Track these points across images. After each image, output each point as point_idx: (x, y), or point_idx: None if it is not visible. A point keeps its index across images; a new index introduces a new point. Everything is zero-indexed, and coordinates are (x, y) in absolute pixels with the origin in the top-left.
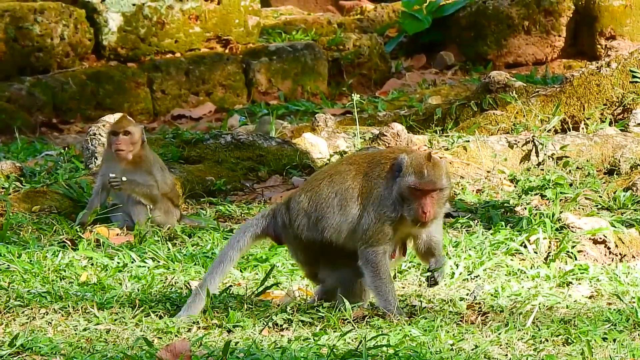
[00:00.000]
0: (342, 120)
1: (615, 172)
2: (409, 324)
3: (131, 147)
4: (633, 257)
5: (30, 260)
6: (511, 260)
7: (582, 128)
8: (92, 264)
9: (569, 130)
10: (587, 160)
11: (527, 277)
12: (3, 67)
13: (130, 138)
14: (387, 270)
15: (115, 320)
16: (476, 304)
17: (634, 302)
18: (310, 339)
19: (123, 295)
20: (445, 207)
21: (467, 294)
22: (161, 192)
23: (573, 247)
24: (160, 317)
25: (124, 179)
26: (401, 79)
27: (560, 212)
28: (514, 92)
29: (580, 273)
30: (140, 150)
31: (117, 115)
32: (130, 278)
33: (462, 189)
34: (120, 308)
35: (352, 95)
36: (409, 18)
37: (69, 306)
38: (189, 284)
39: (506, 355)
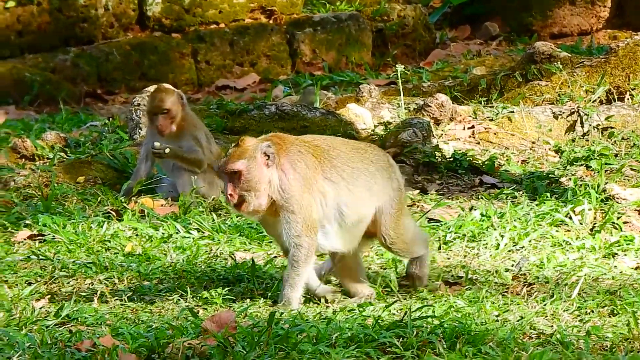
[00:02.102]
0: (387, 91)
1: None
2: (454, 296)
3: (172, 121)
4: None
5: (75, 231)
6: (556, 231)
7: (628, 99)
8: (136, 235)
9: (614, 101)
10: (633, 131)
11: (573, 248)
12: (48, 38)
13: (169, 114)
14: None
15: (160, 290)
16: (521, 275)
17: None
18: (355, 310)
19: (168, 265)
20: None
21: (512, 265)
22: (207, 160)
23: (618, 218)
24: (205, 288)
25: (167, 150)
26: (445, 50)
27: (606, 184)
28: (559, 62)
29: (626, 244)
30: (183, 116)
31: (153, 88)
32: (175, 249)
33: (507, 159)
34: (165, 278)
35: (397, 66)
36: None
37: (114, 277)
38: (233, 255)
39: (551, 326)
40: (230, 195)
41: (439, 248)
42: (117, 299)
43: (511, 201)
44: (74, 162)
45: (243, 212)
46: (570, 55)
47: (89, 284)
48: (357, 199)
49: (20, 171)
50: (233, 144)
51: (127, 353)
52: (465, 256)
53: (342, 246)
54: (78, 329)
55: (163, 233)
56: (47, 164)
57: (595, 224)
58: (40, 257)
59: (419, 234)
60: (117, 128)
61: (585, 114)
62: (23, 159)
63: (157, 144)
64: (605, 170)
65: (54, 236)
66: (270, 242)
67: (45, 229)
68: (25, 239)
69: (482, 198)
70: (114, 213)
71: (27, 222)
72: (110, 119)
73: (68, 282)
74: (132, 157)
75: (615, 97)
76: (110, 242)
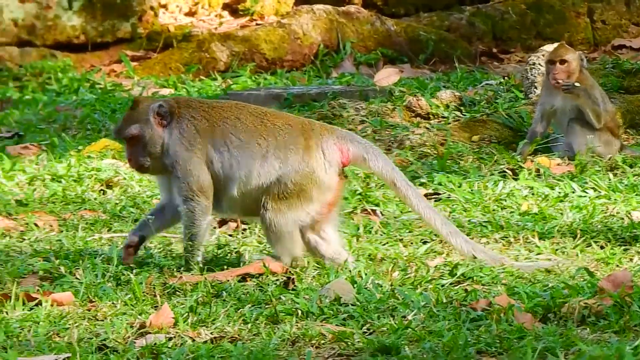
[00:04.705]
0: None
1: None
2: None
3: (568, 75)
4: None
5: (471, 190)
6: None
7: None
8: (532, 194)
9: None
10: None
11: None
12: None
13: (567, 67)
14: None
15: (556, 250)
16: None
17: None
18: None
19: (564, 225)
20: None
21: None
22: (603, 118)
23: None
24: (602, 248)
25: (576, 84)
26: None
27: None
28: None
29: None
30: (580, 75)
31: (556, 45)
32: (571, 208)
33: None
34: (561, 238)
35: None
36: None
37: (509, 235)
38: (630, 214)
39: None
40: (129, 160)
41: None
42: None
43: None
44: (469, 121)
45: (144, 174)
46: None
47: (485, 243)
48: (238, 173)
49: (414, 130)
50: (129, 107)
51: (523, 312)
52: None
53: (236, 214)
54: (474, 288)
55: (559, 192)
56: (442, 122)
57: None
58: None
59: (294, 240)
60: (512, 87)
61: None
62: (417, 118)
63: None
64: None
65: (449, 195)
66: None
67: (440, 187)
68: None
69: None
70: (509, 172)
71: (422, 180)
72: (506, 77)
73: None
74: (527, 116)
75: None
76: (505, 200)
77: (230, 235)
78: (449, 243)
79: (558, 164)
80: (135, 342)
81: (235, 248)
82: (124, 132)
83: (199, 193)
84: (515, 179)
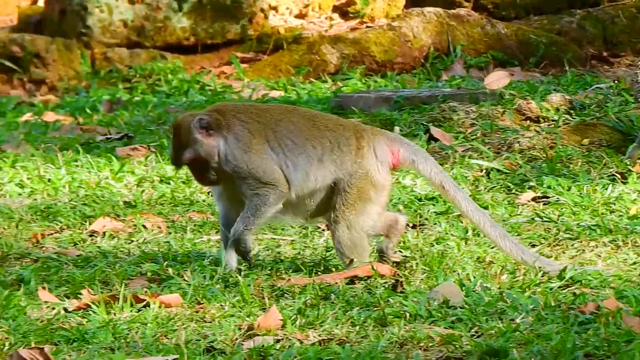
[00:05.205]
0: None
1: None
2: None
3: None
4: None
5: (580, 193)
6: None
7: None
8: None
9: None
10: None
11: None
12: (553, 0)
13: None
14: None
15: None
16: None
17: None
18: None
19: None
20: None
21: None
22: None
23: None
24: None
25: None
26: None
27: None
28: None
29: None
30: None
31: None
32: None
33: None
34: None
35: None
36: None
37: (618, 239)
38: None
39: None
40: (199, 181)
41: None
42: (621, 262)
43: None
44: (578, 124)
45: (215, 186)
46: None
47: (593, 247)
48: (294, 176)
49: (524, 133)
50: (172, 134)
51: (631, 316)
52: None
53: (288, 217)
54: (582, 292)
55: None
56: (552, 125)
57: None
58: (544, 219)
59: (365, 248)
60: (622, 90)
61: None
62: (527, 121)
63: None
64: None
65: (558, 198)
66: None
67: (549, 190)
68: (529, 201)
69: None
70: (618, 175)
71: (531, 184)
72: (616, 81)
73: (572, 245)
74: (637, 120)
75: None
76: (614, 204)
77: None
78: (497, 245)
79: None
80: (242, 344)
81: None
82: (180, 160)
83: (272, 182)
84: (625, 183)
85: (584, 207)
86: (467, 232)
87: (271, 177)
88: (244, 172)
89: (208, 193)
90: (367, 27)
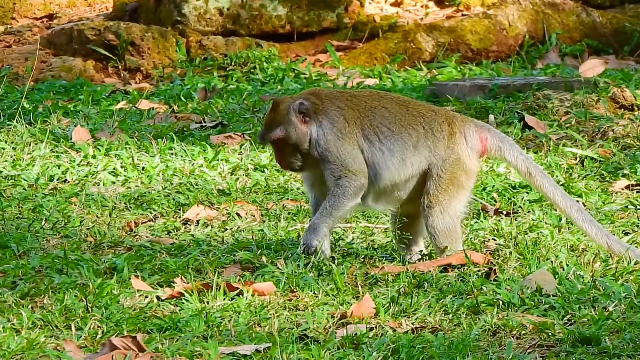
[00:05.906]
0: None
1: None
2: None
3: None
4: None
5: None
6: None
7: None
8: None
9: None
10: None
11: None
12: None
13: None
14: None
15: None
16: None
17: None
18: None
19: None
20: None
21: None
22: None
23: None
24: None
25: None
26: None
27: None
28: None
29: None
30: None
31: None
32: None
33: None
34: None
35: None
36: None
37: None
38: None
39: None
40: (279, 162)
41: None
42: None
43: None
44: None
45: (295, 172)
46: None
47: None
48: (390, 162)
49: (618, 121)
50: (269, 109)
51: None
52: None
53: (379, 206)
54: None
55: None
56: None
57: None
58: (638, 207)
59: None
60: None
61: None
62: (622, 109)
63: None
64: None
65: None
66: None
67: None
68: (622, 189)
69: None
70: None
71: (625, 171)
72: None
73: None
74: None
75: None
76: None
77: None
78: (583, 231)
79: None
80: (336, 332)
81: None
82: (268, 136)
83: (356, 171)
84: None
85: None
86: (560, 220)
87: (357, 165)
88: (332, 156)
89: (302, 181)
90: (463, 15)
